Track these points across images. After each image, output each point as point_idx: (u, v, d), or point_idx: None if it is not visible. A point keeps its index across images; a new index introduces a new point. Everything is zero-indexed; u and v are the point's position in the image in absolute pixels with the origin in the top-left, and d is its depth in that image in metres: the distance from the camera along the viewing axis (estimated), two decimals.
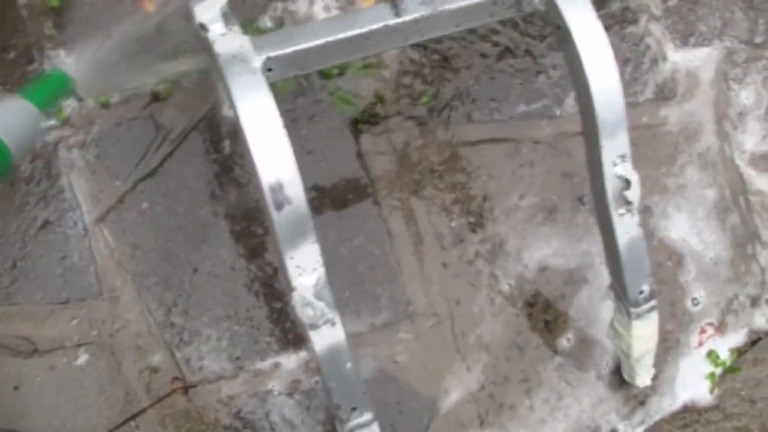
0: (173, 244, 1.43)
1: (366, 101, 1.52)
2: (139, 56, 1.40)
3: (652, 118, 1.62)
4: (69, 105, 1.45)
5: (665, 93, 1.64)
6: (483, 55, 1.58)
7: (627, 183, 1.24)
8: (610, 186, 1.25)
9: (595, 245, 1.51)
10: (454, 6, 1.21)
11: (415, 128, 1.53)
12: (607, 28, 1.21)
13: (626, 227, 1.27)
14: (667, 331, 1.53)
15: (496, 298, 1.49)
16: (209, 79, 1.47)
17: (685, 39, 1.67)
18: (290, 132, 1.08)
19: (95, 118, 1.46)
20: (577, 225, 1.54)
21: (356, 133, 1.51)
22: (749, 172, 1.64)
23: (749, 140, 1.65)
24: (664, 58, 1.65)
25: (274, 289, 1.44)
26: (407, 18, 1.19)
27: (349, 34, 1.18)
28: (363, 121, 1.51)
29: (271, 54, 1.15)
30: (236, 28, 1.17)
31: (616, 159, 1.24)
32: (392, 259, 1.48)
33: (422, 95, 1.54)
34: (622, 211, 1.26)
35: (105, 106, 1.46)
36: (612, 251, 1.30)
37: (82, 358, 1.40)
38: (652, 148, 1.60)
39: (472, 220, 1.51)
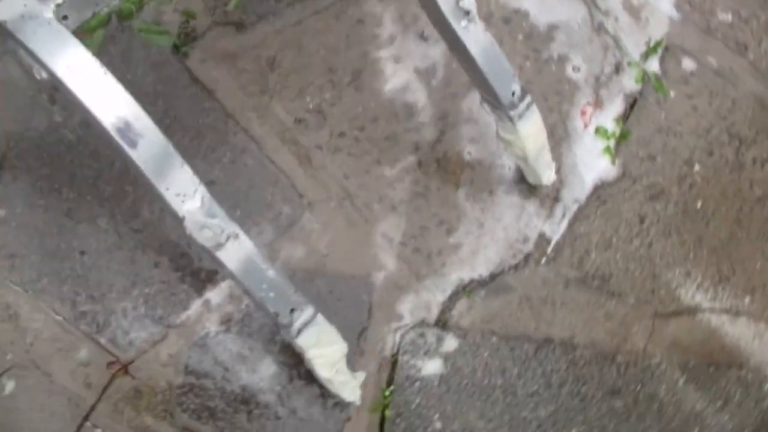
0: (49, 238, 1.36)
1: (177, 25, 1.46)
2: None
3: None
4: None
5: None
6: None
7: None
8: (443, 3, 1.23)
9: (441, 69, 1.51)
10: None
11: (236, 32, 1.48)
12: None
13: (474, 37, 1.26)
14: (552, 125, 1.54)
15: (380, 158, 1.48)
16: None
17: None
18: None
19: None
20: (424, 56, 1.53)
21: (182, 58, 1.45)
22: None
23: None
24: None
25: (166, 237, 1.38)
26: None
27: None
28: (183, 45, 1.45)
29: (59, 0, 1.08)
30: None
31: None
32: (266, 162, 1.44)
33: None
34: (464, 23, 1.24)
35: None
36: (469, 64, 1.29)
37: (9, 385, 1.33)
38: None
39: (327, 95, 1.48)
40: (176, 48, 1.45)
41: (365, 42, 1.51)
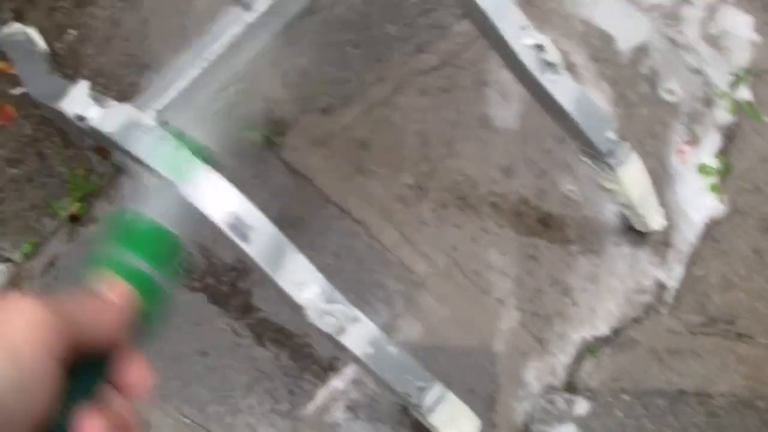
0: (170, 343, 1.36)
1: (265, 117, 1.48)
2: None
3: None
4: None
5: None
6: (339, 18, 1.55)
7: (540, 47, 1.22)
8: (527, 59, 1.22)
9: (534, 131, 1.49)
10: None
11: (325, 117, 1.49)
12: None
13: (563, 88, 1.25)
14: (652, 169, 1.50)
15: (484, 225, 1.46)
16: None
17: None
18: None
19: (26, 271, 1.39)
20: (515, 118, 1.52)
21: (276, 149, 1.46)
22: None
23: None
24: None
25: (284, 329, 1.38)
26: (260, 8, 1.16)
27: (217, 49, 1.14)
28: (275, 135, 1.47)
29: (159, 106, 1.10)
30: (112, 102, 1.12)
31: (518, 32, 1.22)
32: (373, 242, 1.43)
33: (313, 83, 1.50)
34: (550, 76, 1.23)
35: (27, 255, 1.39)
36: (562, 117, 1.27)
37: None
38: None
39: (424, 169, 1.48)
40: (268, 140, 1.46)
41: (453, 111, 1.51)
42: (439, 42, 1.55)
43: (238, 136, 1.44)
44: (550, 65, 1.22)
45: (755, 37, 1.67)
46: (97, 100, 1.12)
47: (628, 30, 1.62)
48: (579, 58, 1.58)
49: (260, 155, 1.46)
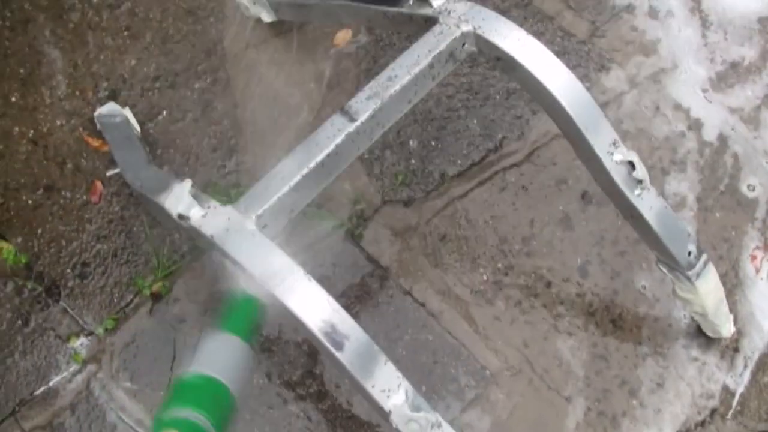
0: (246, 427, 1.39)
1: (348, 207, 1.52)
2: None
3: None
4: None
5: None
6: (423, 113, 1.59)
7: (631, 165, 1.24)
8: (616, 175, 1.24)
9: (610, 232, 1.51)
10: (398, 87, 1.22)
11: (405, 209, 1.52)
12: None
13: (649, 204, 1.27)
14: (723, 274, 1.52)
15: (556, 324, 1.48)
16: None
17: None
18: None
19: (107, 346, 1.43)
20: (592, 219, 1.54)
21: (357, 240, 1.50)
22: None
23: None
24: None
25: (354, 416, 1.40)
26: (363, 119, 1.19)
27: (320, 158, 1.17)
28: (356, 227, 1.50)
29: (260, 212, 1.14)
30: (213, 203, 1.16)
31: (610, 148, 1.24)
32: (447, 336, 1.46)
33: (396, 175, 1.54)
34: (637, 191, 1.26)
35: (109, 330, 1.43)
36: (645, 230, 1.30)
37: None
38: None
39: (500, 265, 1.50)
40: (350, 231, 1.50)
41: (532, 209, 1.54)
42: (520, 139, 1.58)
43: (324, 226, 1.47)
44: (638, 182, 1.25)
45: None
46: (199, 200, 1.16)
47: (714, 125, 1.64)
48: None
49: (342, 245, 1.49)
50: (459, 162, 1.56)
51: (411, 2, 1.32)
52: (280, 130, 1.56)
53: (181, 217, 1.16)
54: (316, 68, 1.62)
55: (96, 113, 1.54)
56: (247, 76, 1.61)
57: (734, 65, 1.67)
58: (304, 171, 1.16)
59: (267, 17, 1.62)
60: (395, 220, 1.52)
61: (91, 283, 1.47)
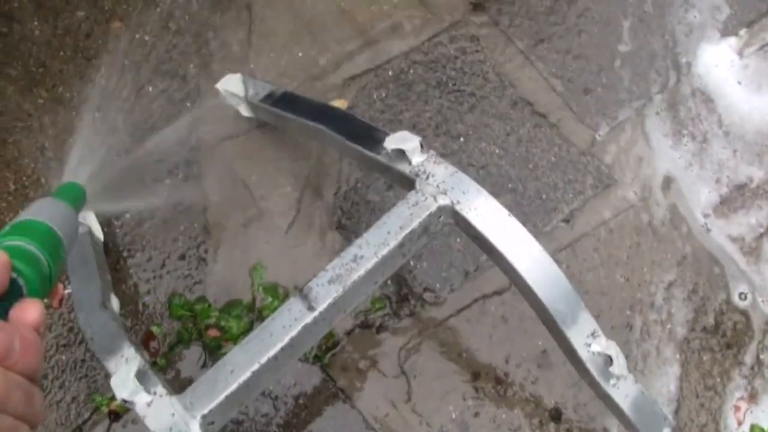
0: None
1: None
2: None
3: None
4: None
5: None
6: None
7: (608, 358, 1.17)
8: (593, 366, 1.18)
9: None
10: (362, 271, 1.13)
11: (376, 335, 1.46)
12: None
13: (624, 392, 1.20)
14: (702, 426, 1.46)
15: None
16: None
17: None
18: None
19: None
20: None
21: (322, 365, 1.44)
22: None
23: None
24: None
25: None
26: (322, 307, 1.11)
27: (273, 352, 1.10)
28: (324, 354, 1.44)
29: (205, 411, 1.08)
30: (160, 389, 1.10)
31: (588, 339, 1.17)
32: None
33: (374, 303, 1.47)
34: (613, 381, 1.19)
35: None
36: (619, 415, 1.24)
37: None
38: None
39: (470, 403, 1.44)
40: (318, 357, 1.44)
41: (508, 343, 1.47)
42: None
43: None
44: (615, 375, 1.18)
45: None
46: (146, 383, 1.11)
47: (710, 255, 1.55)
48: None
49: (307, 370, 1.44)
50: (437, 286, 1.48)
51: (389, 152, 1.22)
52: (250, 240, 1.48)
53: (125, 401, 1.10)
54: (293, 168, 1.53)
55: None
56: (220, 172, 1.52)
57: (740, 187, 1.56)
58: (255, 367, 1.10)
59: (245, 112, 1.52)
60: (365, 347, 1.45)
61: (47, 397, 1.42)
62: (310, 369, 1.44)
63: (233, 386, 1.09)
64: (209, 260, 1.48)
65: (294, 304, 1.12)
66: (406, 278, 1.48)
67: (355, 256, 1.14)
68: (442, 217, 1.18)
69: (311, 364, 1.44)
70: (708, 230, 1.53)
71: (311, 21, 1.61)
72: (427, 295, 1.48)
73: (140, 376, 1.11)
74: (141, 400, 1.10)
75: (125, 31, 1.59)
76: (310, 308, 1.11)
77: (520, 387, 1.45)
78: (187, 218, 1.50)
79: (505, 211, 1.15)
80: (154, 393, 1.10)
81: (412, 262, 1.49)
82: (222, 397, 1.08)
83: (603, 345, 1.18)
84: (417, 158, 1.21)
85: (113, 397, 1.41)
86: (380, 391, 1.43)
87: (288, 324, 1.11)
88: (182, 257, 1.48)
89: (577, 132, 1.56)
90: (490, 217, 1.15)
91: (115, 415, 1.42)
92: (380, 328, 1.47)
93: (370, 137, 1.26)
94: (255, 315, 1.44)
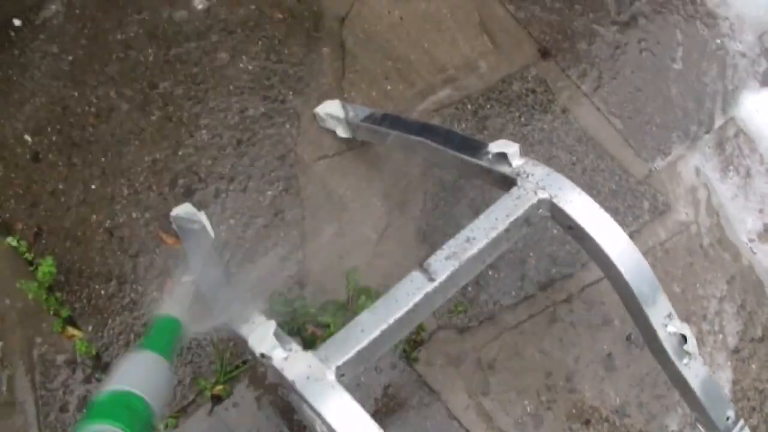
0: None
1: None
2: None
3: None
4: None
5: None
6: None
7: (683, 338, 1.32)
8: (668, 345, 1.32)
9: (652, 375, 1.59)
10: (475, 250, 1.29)
11: (459, 335, 1.60)
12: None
13: (695, 372, 1.35)
14: (753, 428, 1.59)
15: None
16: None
17: None
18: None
19: None
20: (636, 360, 1.62)
21: (411, 362, 1.57)
22: None
23: None
24: None
25: None
26: (441, 279, 1.26)
27: (399, 315, 1.25)
28: (412, 350, 1.58)
29: (339, 363, 1.21)
30: (295, 346, 1.23)
31: (665, 320, 1.32)
32: None
33: (454, 305, 1.61)
34: (686, 361, 1.33)
35: (169, 428, 1.50)
36: (688, 394, 1.37)
37: None
38: None
39: (543, 398, 1.58)
40: (405, 353, 1.57)
41: (578, 347, 1.61)
42: (573, 276, 1.66)
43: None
44: (688, 353, 1.33)
45: None
46: (281, 341, 1.24)
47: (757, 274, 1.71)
48: None
49: (396, 365, 1.57)
50: (514, 293, 1.64)
51: (491, 157, 1.40)
52: (344, 247, 1.63)
53: (263, 356, 1.23)
54: (383, 186, 1.70)
55: (172, 213, 1.61)
56: (317, 187, 1.69)
57: None
58: (383, 326, 1.24)
59: (342, 133, 1.70)
60: (449, 346, 1.59)
61: None
62: (398, 363, 1.57)
63: (364, 343, 1.23)
64: (306, 263, 1.62)
65: (416, 277, 1.27)
66: (486, 286, 1.64)
67: (467, 238, 1.30)
68: (541, 210, 1.35)
69: (398, 358, 1.57)
70: (754, 253, 1.70)
71: (398, 59, 1.81)
72: (504, 300, 1.63)
73: (276, 335, 1.25)
74: (278, 355, 1.22)
75: (230, 60, 1.78)
76: (431, 279, 1.27)
77: (588, 384, 1.59)
78: (285, 226, 1.65)
79: (596, 205, 1.33)
80: (290, 349, 1.23)
81: (491, 272, 1.64)
82: (354, 352, 1.22)
83: (678, 326, 1.33)
84: (517, 161, 1.39)
85: (217, 382, 1.54)
86: (463, 385, 1.57)
87: (411, 292, 1.26)
88: (282, 259, 1.63)
89: (635, 164, 1.75)
90: (584, 209, 1.32)
91: (218, 399, 1.54)
92: (463, 330, 1.61)
93: (470, 147, 1.44)
94: (350, 314, 1.58)
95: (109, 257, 1.61)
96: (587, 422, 1.57)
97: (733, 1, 1.88)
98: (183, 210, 1.61)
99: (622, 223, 1.69)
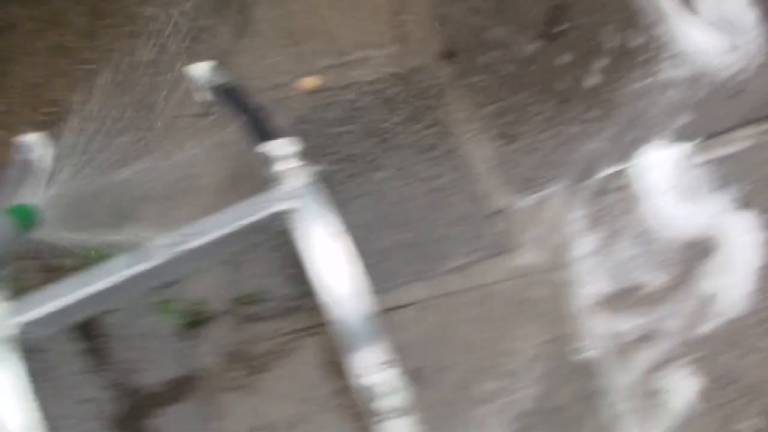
0: None
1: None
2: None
3: None
4: None
5: None
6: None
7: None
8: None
9: None
10: (202, 241, 1.28)
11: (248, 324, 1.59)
12: None
13: None
14: None
15: None
16: None
17: None
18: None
19: None
20: None
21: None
22: None
23: None
24: None
25: None
26: (157, 262, 1.26)
27: (101, 286, 1.26)
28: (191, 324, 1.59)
29: (26, 319, 1.24)
30: None
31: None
32: None
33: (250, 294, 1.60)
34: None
35: None
36: None
37: None
38: None
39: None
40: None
41: None
42: None
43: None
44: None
45: None
46: None
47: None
48: None
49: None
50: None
51: (270, 150, 1.35)
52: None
53: None
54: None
55: None
56: None
57: (630, 290, 1.60)
58: (85, 292, 1.26)
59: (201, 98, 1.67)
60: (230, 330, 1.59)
61: None
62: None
63: (61, 303, 1.27)
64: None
65: (135, 255, 1.28)
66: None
67: (200, 230, 1.29)
68: (279, 222, 1.31)
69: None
70: (584, 320, 1.58)
71: (299, 33, 1.76)
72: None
73: None
74: None
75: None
76: (146, 259, 1.27)
77: None
78: None
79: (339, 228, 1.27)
80: None
81: None
82: (44, 312, 1.25)
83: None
84: (288, 164, 1.34)
85: None
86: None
87: (126, 266, 1.27)
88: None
89: (497, 194, 1.64)
90: (317, 235, 1.27)
91: None
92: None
93: (265, 133, 1.40)
94: None
95: None
96: None
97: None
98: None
99: (455, 253, 1.61)
